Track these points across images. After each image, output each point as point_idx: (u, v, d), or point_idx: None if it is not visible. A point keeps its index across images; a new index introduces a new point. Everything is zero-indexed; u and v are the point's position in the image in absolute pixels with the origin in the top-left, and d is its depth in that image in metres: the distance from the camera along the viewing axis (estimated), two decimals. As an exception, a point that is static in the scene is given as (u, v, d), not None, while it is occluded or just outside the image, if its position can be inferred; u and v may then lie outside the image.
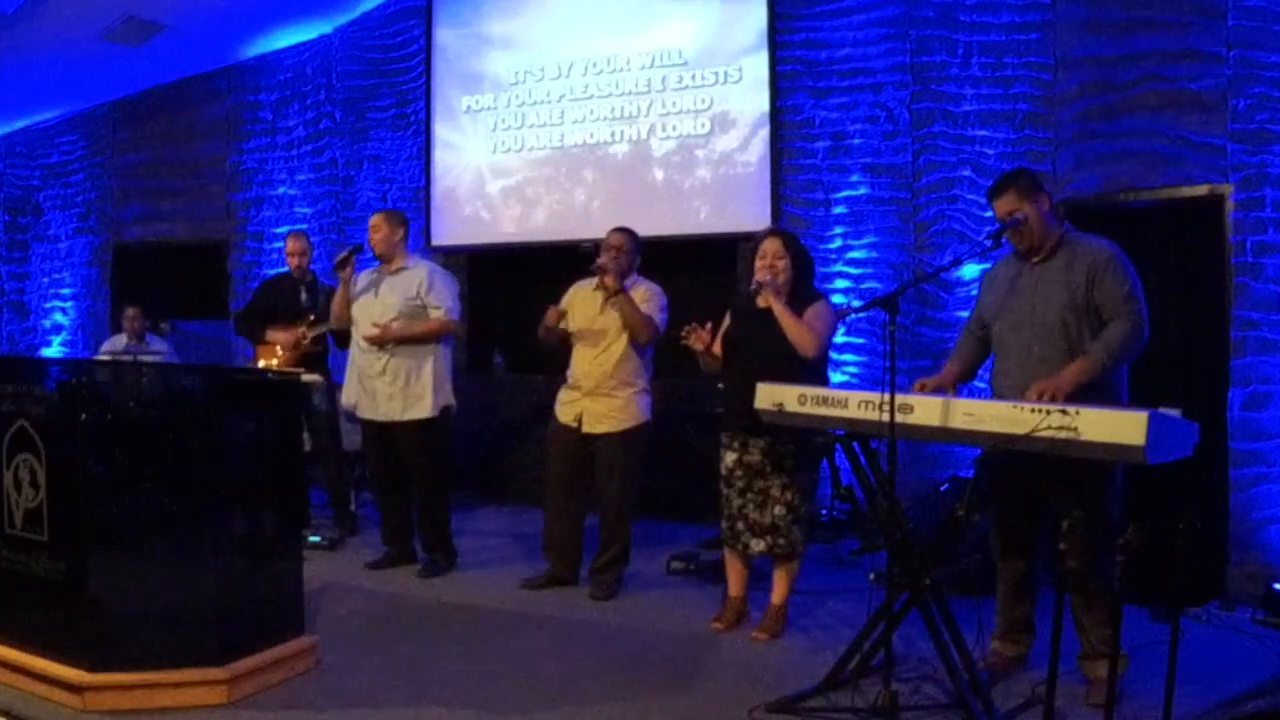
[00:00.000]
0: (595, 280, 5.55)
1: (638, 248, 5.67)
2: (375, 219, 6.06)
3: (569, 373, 5.69)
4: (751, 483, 4.84)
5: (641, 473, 5.67)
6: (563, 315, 5.62)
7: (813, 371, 4.68)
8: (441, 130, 8.86)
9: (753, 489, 4.83)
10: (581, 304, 5.65)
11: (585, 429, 5.56)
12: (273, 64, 9.79)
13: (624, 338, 5.50)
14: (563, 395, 5.71)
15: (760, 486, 4.82)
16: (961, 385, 4.39)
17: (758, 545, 4.84)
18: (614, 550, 5.63)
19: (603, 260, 5.45)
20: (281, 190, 9.76)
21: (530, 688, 4.21)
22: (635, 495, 5.66)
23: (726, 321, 5.04)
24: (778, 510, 4.79)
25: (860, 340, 7.15)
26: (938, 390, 4.13)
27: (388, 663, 4.49)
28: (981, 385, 4.58)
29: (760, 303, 4.83)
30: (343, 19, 9.35)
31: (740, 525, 4.87)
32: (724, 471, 4.94)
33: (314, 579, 5.29)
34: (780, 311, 4.68)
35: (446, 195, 8.82)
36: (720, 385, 5.09)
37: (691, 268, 7.55)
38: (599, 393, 5.53)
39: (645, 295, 5.56)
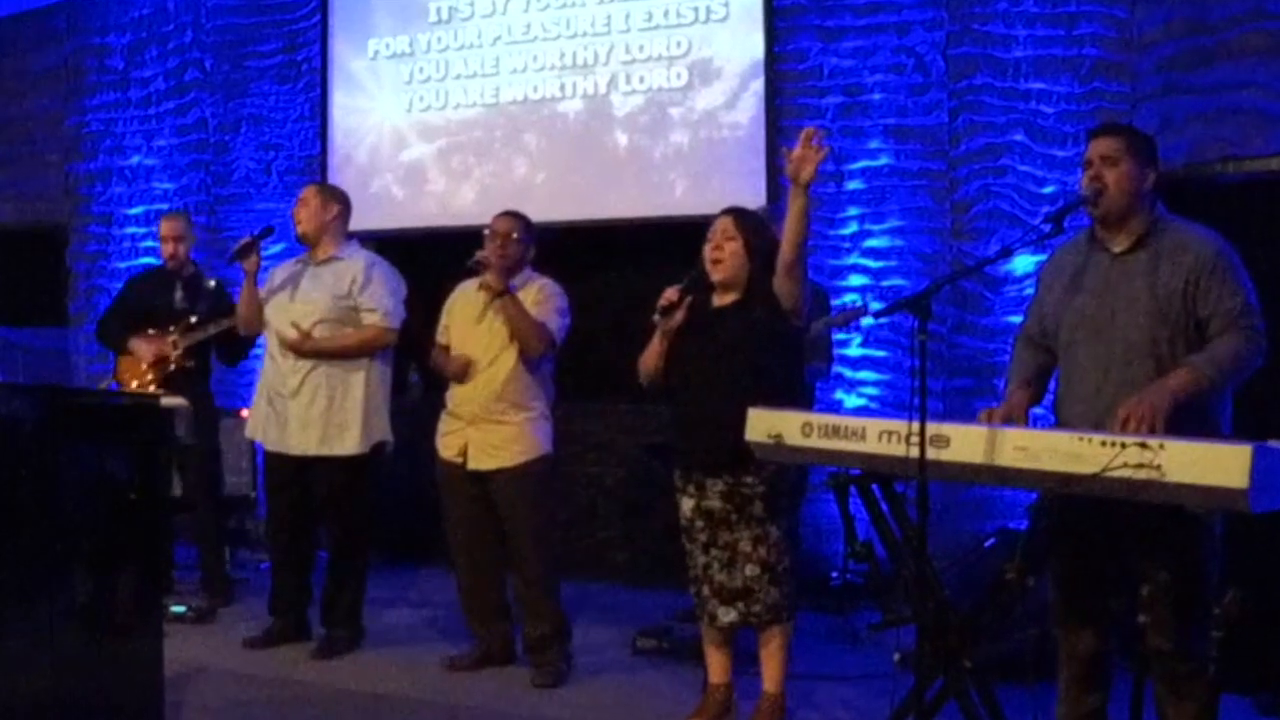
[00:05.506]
0: (479, 280, 5.57)
1: (531, 236, 5.73)
2: (306, 190, 6.17)
3: (448, 395, 5.73)
4: (715, 535, 4.82)
5: (551, 518, 5.76)
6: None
7: (792, 391, 4.65)
8: (341, 83, 8.84)
9: (717, 543, 4.82)
10: (461, 310, 5.72)
11: (471, 464, 5.60)
12: (125, -2, 9.75)
13: (513, 350, 5.53)
14: (442, 425, 5.76)
15: (726, 540, 4.80)
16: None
17: (727, 615, 4.82)
18: (543, 619, 5.62)
19: (482, 253, 5.45)
20: (136, 160, 9.73)
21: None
22: (551, 545, 5.72)
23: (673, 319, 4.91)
24: (749, 570, 4.76)
25: (881, 353, 7.16)
26: (1008, 422, 4.06)
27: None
28: (1041, 411, 4.56)
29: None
30: (215, -60, 9.36)
31: (706, 590, 4.86)
32: (683, 522, 4.95)
33: (178, 661, 5.27)
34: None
35: (348, 166, 8.79)
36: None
37: (663, 259, 7.47)
38: (485, 419, 5.57)
39: (538, 295, 5.62)
